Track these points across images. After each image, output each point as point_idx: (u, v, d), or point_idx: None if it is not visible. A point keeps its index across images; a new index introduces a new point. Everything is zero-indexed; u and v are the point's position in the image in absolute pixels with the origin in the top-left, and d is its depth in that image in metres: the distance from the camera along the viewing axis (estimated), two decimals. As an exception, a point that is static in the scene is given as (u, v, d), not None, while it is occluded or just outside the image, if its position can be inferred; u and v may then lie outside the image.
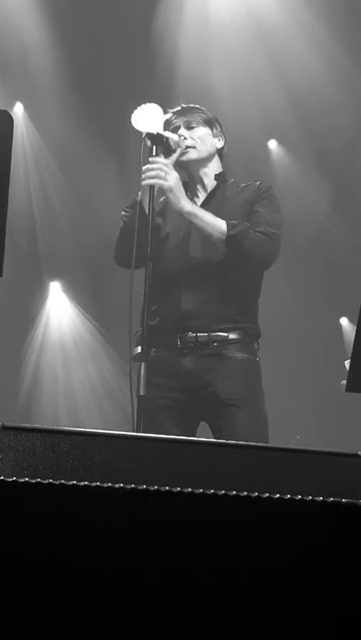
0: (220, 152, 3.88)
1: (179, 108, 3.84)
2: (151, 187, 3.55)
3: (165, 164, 3.58)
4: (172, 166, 3.62)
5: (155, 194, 3.58)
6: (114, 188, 7.24)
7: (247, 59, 7.31)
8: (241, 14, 7.24)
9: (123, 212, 3.75)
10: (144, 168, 3.56)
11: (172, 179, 3.58)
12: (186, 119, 3.79)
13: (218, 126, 3.86)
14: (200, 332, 3.63)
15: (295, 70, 7.37)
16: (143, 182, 3.56)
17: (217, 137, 3.85)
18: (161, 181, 3.55)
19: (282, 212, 3.81)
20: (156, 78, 7.28)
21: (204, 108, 3.88)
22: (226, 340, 3.63)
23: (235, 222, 3.65)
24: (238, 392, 3.58)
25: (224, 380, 3.59)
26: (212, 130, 3.83)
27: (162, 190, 3.63)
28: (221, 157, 3.89)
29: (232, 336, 3.64)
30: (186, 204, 3.62)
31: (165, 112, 3.78)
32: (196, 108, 3.86)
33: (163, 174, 3.56)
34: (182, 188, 3.64)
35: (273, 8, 7.22)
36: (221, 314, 3.66)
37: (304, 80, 7.40)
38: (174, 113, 3.81)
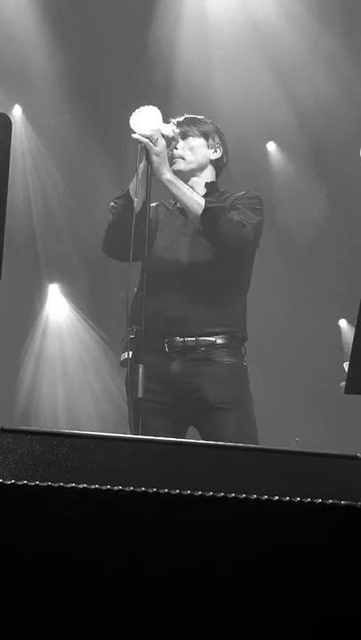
0: (215, 163, 3.87)
1: (181, 119, 3.85)
2: (147, 183, 3.58)
3: (159, 131, 3.62)
4: (162, 136, 3.64)
5: (150, 189, 3.60)
6: (113, 191, 7.23)
7: (245, 61, 7.31)
8: (239, 17, 7.24)
9: (112, 204, 3.77)
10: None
11: (161, 145, 3.61)
12: (182, 130, 3.81)
13: (216, 138, 3.86)
14: (187, 337, 3.65)
15: (293, 73, 7.37)
16: (133, 135, 3.60)
17: (212, 148, 3.85)
18: (150, 143, 3.59)
19: (262, 216, 3.79)
20: (154, 81, 7.28)
21: (207, 120, 3.89)
22: (213, 344, 3.65)
23: (214, 200, 3.68)
24: (227, 396, 3.60)
25: (212, 385, 3.60)
26: (207, 141, 3.84)
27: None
28: (218, 168, 3.88)
29: (219, 341, 3.66)
30: (167, 172, 3.64)
31: (168, 121, 3.80)
32: (197, 120, 3.87)
33: (155, 138, 3.59)
34: (166, 158, 3.65)
35: (271, 11, 7.22)
36: (208, 318, 3.67)
37: (302, 82, 7.40)
38: (176, 123, 3.83)
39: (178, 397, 3.63)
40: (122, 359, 3.51)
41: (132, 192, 3.65)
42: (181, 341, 3.65)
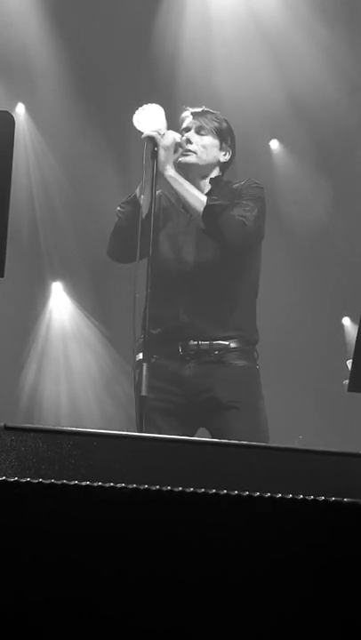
0: (222, 165, 3.84)
1: (199, 110, 3.82)
2: (152, 184, 3.57)
3: (166, 128, 3.63)
4: (169, 133, 3.64)
5: (155, 191, 3.60)
6: (116, 189, 7.24)
7: (248, 59, 7.30)
8: (242, 15, 7.24)
9: (118, 208, 3.75)
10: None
11: (168, 140, 3.61)
12: (199, 123, 3.78)
13: (229, 140, 3.81)
14: (202, 341, 3.64)
15: (296, 70, 7.36)
16: (143, 136, 3.59)
17: (224, 151, 3.81)
18: (158, 137, 3.58)
19: (263, 206, 3.76)
20: (157, 79, 7.28)
21: (224, 118, 3.85)
22: (227, 348, 3.64)
23: (216, 197, 3.67)
24: (239, 396, 3.59)
25: (224, 385, 3.59)
26: (220, 142, 3.79)
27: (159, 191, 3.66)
28: (223, 169, 3.85)
29: (233, 344, 3.65)
30: (169, 169, 3.63)
31: (184, 109, 3.78)
32: (215, 116, 3.82)
33: (162, 133, 3.60)
34: (172, 154, 3.64)
35: (274, 8, 7.21)
36: (221, 322, 3.66)
37: (305, 80, 7.39)
38: (193, 113, 3.80)
39: (189, 398, 3.62)
40: (135, 361, 3.51)
41: (139, 197, 3.62)
42: (195, 345, 3.64)
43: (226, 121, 3.85)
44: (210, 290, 3.69)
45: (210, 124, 3.79)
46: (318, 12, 7.17)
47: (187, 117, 3.79)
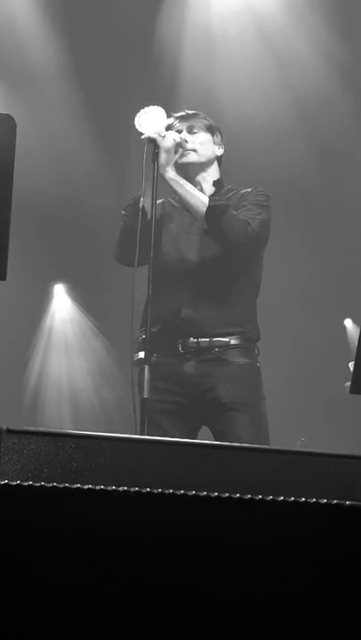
0: (219, 159, 3.89)
1: (182, 114, 3.86)
2: (153, 186, 3.58)
3: (165, 130, 3.65)
4: (169, 134, 3.66)
5: (156, 193, 3.60)
6: (117, 191, 7.25)
7: (250, 63, 7.30)
8: (244, 19, 7.24)
9: (123, 212, 3.75)
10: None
11: (169, 141, 3.63)
12: (188, 124, 3.82)
13: (219, 134, 3.89)
14: (201, 338, 3.63)
15: (299, 74, 7.36)
16: (142, 137, 3.61)
17: (217, 145, 3.87)
18: (159, 139, 3.60)
19: (269, 213, 3.77)
20: (159, 82, 7.28)
21: (206, 116, 3.91)
22: (227, 345, 3.63)
23: (217, 198, 3.68)
24: (240, 396, 3.59)
25: (226, 385, 3.59)
26: (213, 137, 3.85)
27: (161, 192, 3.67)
28: (220, 165, 3.90)
29: (233, 341, 3.64)
30: (170, 171, 3.65)
31: (169, 116, 3.79)
32: (199, 115, 3.88)
33: (162, 135, 3.61)
34: (173, 155, 3.67)
35: (276, 12, 7.21)
36: (222, 319, 3.66)
37: (308, 83, 7.40)
38: (177, 117, 3.83)
39: (191, 397, 3.62)
40: (135, 359, 3.51)
41: (142, 199, 3.62)
42: (195, 342, 3.64)
43: (210, 119, 3.91)
44: (211, 287, 3.69)
45: (198, 123, 3.84)
46: (321, 15, 7.17)
47: (174, 123, 3.82)
